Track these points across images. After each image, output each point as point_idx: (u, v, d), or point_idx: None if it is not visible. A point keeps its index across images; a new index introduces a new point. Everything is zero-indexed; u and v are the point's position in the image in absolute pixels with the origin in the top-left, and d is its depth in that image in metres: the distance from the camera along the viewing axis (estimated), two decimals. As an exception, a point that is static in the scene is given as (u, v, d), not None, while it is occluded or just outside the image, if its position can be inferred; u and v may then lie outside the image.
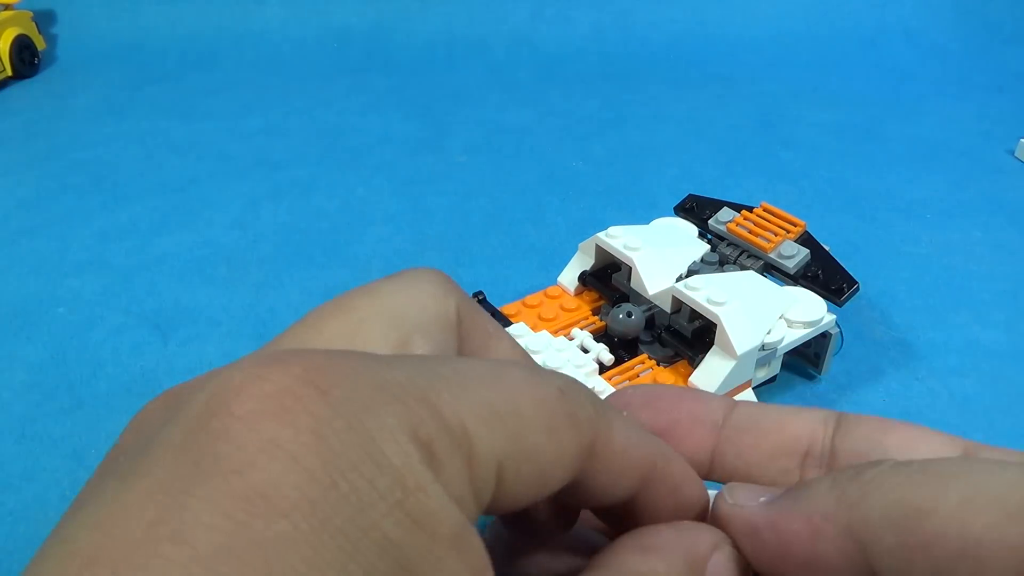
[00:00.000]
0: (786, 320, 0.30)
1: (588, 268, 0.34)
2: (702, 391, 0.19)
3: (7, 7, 0.76)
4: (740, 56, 0.76)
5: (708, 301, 0.28)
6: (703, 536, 0.15)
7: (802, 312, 0.30)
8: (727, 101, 0.67)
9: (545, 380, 0.14)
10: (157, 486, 0.09)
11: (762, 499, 0.15)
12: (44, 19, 0.83)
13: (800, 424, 0.16)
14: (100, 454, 0.16)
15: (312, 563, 0.09)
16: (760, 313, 0.29)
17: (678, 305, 0.30)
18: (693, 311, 0.29)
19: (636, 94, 0.69)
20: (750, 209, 0.36)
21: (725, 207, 0.36)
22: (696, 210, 0.37)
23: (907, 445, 0.15)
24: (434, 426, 0.11)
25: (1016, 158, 0.56)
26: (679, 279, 0.32)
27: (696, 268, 0.33)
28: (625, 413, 0.16)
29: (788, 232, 0.34)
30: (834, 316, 0.31)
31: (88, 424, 0.32)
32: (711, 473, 0.17)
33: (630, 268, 0.32)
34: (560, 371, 0.16)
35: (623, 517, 0.16)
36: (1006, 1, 0.78)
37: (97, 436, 0.32)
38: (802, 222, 0.35)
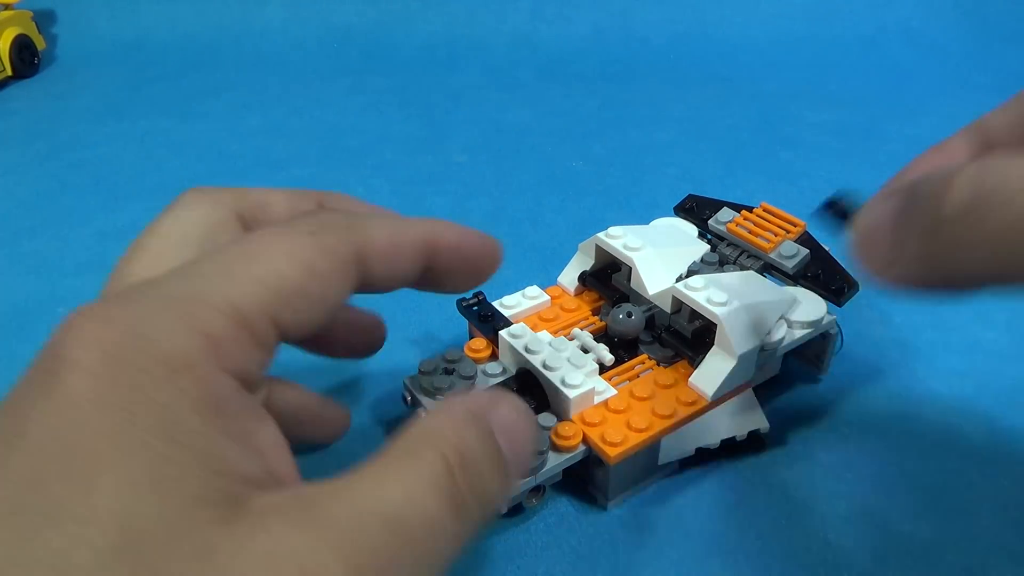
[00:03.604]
0: (786, 320, 0.30)
1: (588, 268, 0.34)
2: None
3: (7, 7, 0.76)
4: (740, 56, 0.76)
5: (708, 301, 0.28)
6: (483, 396, 0.18)
7: (802, 312, 0.30)
8: (727, 101, 0.67)
9: (295, 230, 0.18)
10: (10, 408, 0.14)
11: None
12: (44, 19, 0.83)
13: None
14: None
15: (102, 431, 0.13)
16: (760, 313, 0.29)
17: (678, 305, 0.30)
18: (693, 311, 0.29)
19: (636, 94, 0.69)
20: (750, 209, 0.36)
21: (725, 207, 0.36)
22: (696, 210, 0.37)
23: None
24: (207, 316, 0.15)
25: None
26: (679, 279, 0.32)
27: (696, 268, 0.33)
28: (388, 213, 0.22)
29: (788, 232, 0.34)
30: (834, 316, 0.31)
31: (88, 424, 0.32)
32: None
33: (630, 268, 0.32)
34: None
35: (434, 287, 0.22)
36: (1006, 1, 0.78)
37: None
38: (802, 222, 0.35)
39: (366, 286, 0.19)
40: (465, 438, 0.16)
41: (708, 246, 0.35)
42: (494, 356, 0.31)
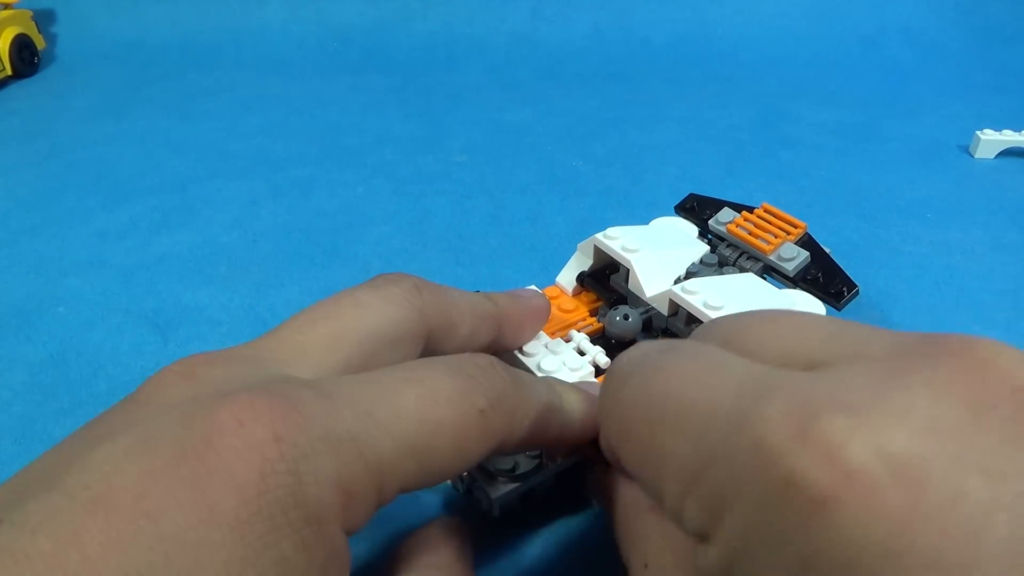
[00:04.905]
0: (785, 322, 0.30)
1: (586, 269, 0.34)
2: None
3: (7, 6, 0.76)
4: (740, 56, 0.76)
5: (705, 306, 0.28)
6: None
7: (801, 314, 0.30)
8: (727, 101, 0.67)
9: (469, 401, 0.17)
10: (150, 478, 0.13)
11: None
12: (44, 18, 0.83)
13: None
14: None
15: (224, 561, 0.13)
16: (759, 315, 0.29)
17: (675, 308, 0.30)
18: (690, 314, 0.29)
19: (636, 94, 0.69)
20: (751, 210, 0.36)
21: (726, 207, 0.36)
22: (697, 210, 0.37)
23: None
24: (357, 472, 0.15)
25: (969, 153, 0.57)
26: (677, 281, 0.32)
27: (695, 270, 0.33)
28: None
29: (789, 234, 0.34)
30: (833, 318, 0.31)
31: (88, 425, 0.32)
32: None
33: (628, 270, 0.32)
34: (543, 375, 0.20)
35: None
36: (1006, 1, 0.77)
37: (96, 437, 0.32)
38: (803, 224, 0.35)
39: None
40: None
41: (708, 247, 0.35)
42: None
